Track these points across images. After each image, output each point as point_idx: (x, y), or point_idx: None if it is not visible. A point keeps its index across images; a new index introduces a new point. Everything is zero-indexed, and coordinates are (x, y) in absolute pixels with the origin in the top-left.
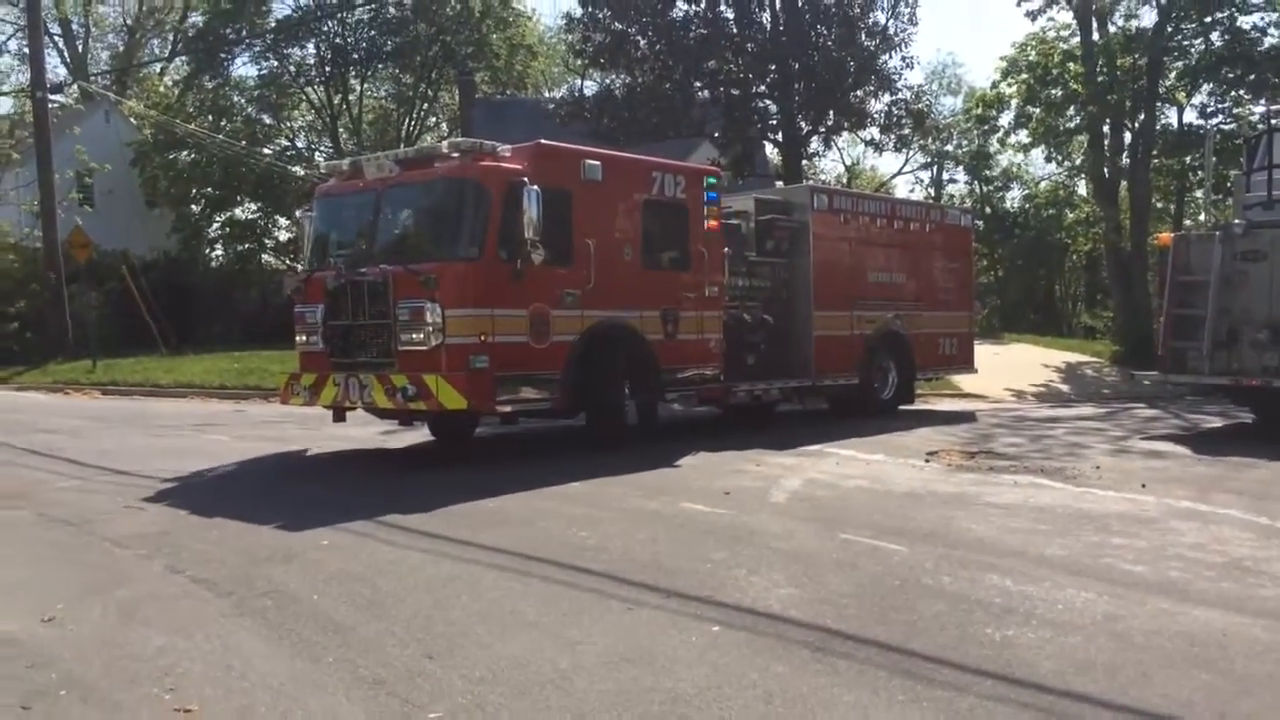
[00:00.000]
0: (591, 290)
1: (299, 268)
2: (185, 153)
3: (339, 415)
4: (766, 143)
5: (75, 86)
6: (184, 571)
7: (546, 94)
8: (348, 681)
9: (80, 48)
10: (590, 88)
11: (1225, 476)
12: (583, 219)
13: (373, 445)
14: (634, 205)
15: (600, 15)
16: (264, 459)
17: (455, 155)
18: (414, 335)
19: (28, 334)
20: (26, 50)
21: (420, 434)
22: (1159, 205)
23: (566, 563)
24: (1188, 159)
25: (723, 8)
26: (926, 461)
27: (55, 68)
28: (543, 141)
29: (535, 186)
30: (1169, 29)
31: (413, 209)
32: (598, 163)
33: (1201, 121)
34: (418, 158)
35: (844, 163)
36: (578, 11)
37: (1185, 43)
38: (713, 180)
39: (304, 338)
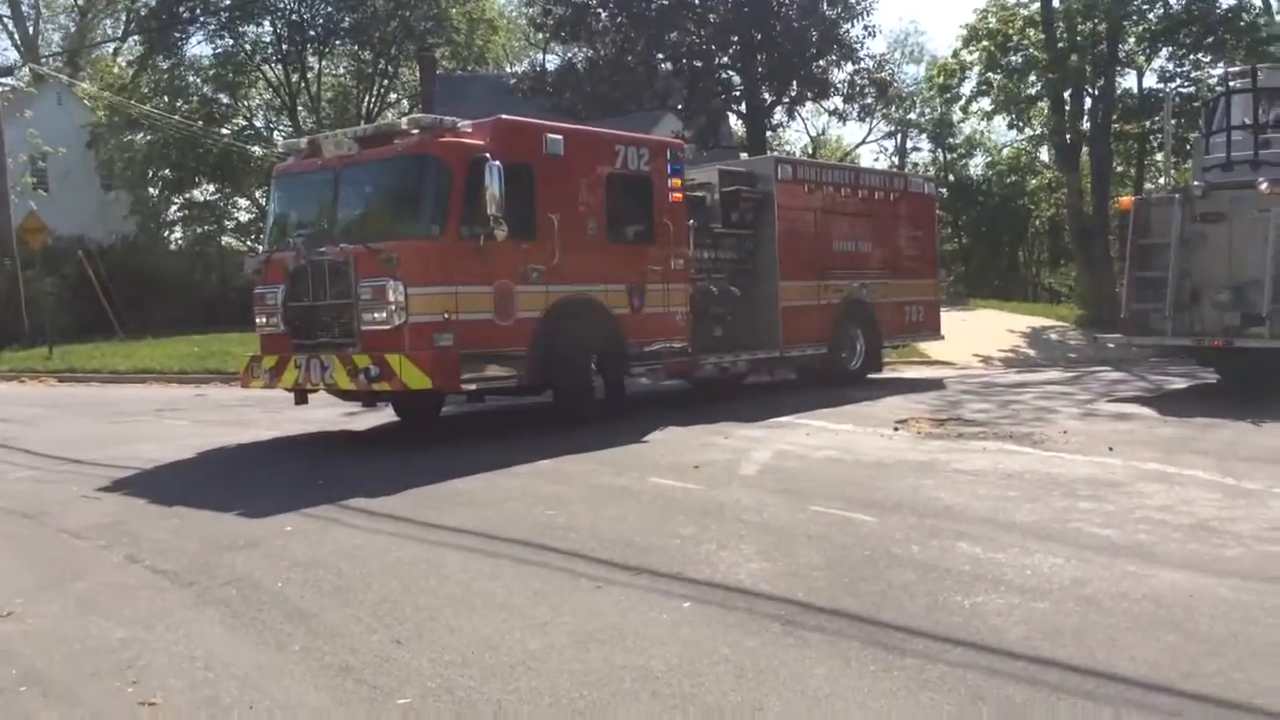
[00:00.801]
0: (556, 265)
1: (259, 249)
2: (141, 134)
3: (301, 398)
4: (730, 114)
5: (26, 69)
6: (143, 562)
7: (508, 69)
8: (314, 669)
9: (31, 29)
10: (552, 62)
11: (1191, 437)
12: (545, 194)
13: (336, 427)
14: (597, 179)
15: None
16: (225, 444)
17: (415, 132)
18: (376, 314)
19: None
20: None
21: (384, 415)
22: (1120, 169)
23: (535, 542)
24: (1148, 123)
25: None
26: (895, 430)
27: (4, 49)
28: (503, 116)
29: (497, 161)
30: None
31: (373, 187)
32: (560, 137)
33: (1161, 85)
34: (377, 135)
35: (808, 133)
36: None
37: (1144, 6)
38: (676, 153)
39: (264, 319)
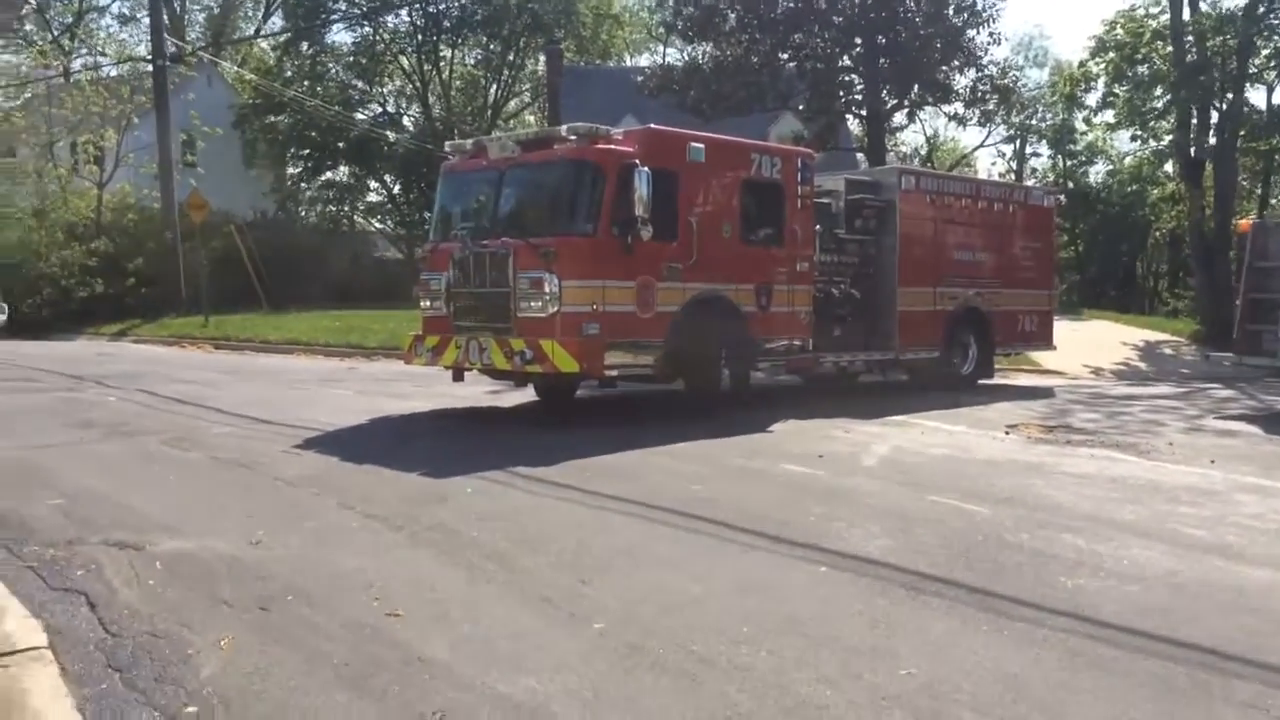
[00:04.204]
0: (693, 264)
1: (385, 228)
2: (284, 116)
3: (458, 375)
4: (850, 116)
5: (197, 54)
6: (355, 508)
7: (629, 60)
8: (520, 599)
9: (178, 8)
10: (673, 56)
11: None
12: (687, 198)
13: (483, 404)
14: (733, 185)
15: None
16: (390, 413)
17: (573, 138)
18: (533, 303)
19: (143, 290)
20: (126, 13)
21: (524, 394)
22: (1245, 184)
23: (685, 511)
24: (1275, 140)
25: None
26: (1006, 434)
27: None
28: (653, 126)
29: (646, 168)
30: (1261, 9)
31: (533, 187)
32: (701, 145)
33: None
34: (538, 139)
35: (924, 134)
36: None
37: (1275, 22)
38: (806, 161)
39: (428, 303)
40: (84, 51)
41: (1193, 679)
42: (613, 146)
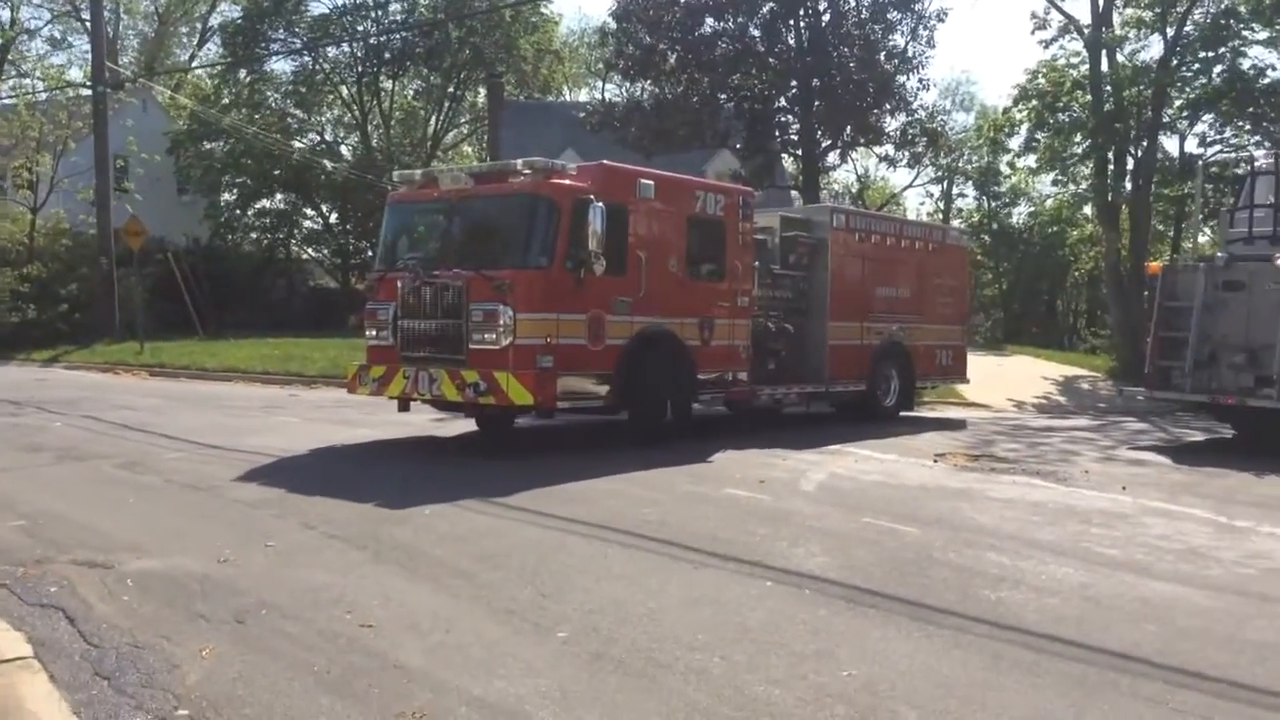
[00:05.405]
0: (641, 298)
1: (321, 257)
2: (220, 143)
3: (404, 405)
4: (785, 154)
5: (138, 81)
6: (317, 529)
7: (568, 94)
8: (486, 611)
9: (111, 33)
10: (612, 91)
11: (1197, 483)
12: (636, 233)
13: (427, 433)
14: (679, 221)
15: (632, 29)
16: (338, 441)
17: (527, 172)
18: (486, 335)
19: (76, 315)
20: (57, 36)
21: (466, 424)
22: (1159, 227)
23: (638, 532)
24: (1186, 186)
25: (750, 28)
26: (935, 462)
27: (85, 53)
28: (605, 162)
29: (600, 203)
30: (1174, 62)
31: (486, 219)
32: (651, 182)
33: (1201, 150)
34: (491, 173)
35: (855, 173)
36: (612, 26)
37: (1188, 74)
38: (748, 199)
39: (374, 333)
40: (12, 75)
41: (1104, 678)
42: (568, 181)
